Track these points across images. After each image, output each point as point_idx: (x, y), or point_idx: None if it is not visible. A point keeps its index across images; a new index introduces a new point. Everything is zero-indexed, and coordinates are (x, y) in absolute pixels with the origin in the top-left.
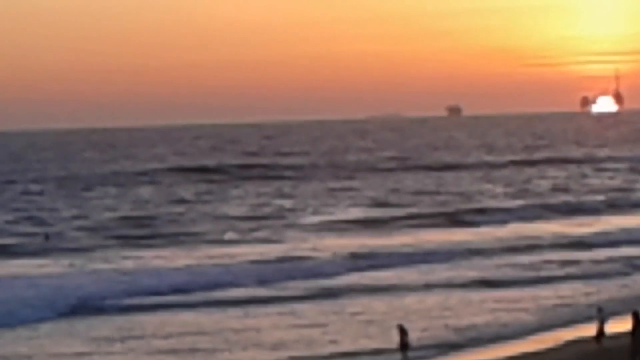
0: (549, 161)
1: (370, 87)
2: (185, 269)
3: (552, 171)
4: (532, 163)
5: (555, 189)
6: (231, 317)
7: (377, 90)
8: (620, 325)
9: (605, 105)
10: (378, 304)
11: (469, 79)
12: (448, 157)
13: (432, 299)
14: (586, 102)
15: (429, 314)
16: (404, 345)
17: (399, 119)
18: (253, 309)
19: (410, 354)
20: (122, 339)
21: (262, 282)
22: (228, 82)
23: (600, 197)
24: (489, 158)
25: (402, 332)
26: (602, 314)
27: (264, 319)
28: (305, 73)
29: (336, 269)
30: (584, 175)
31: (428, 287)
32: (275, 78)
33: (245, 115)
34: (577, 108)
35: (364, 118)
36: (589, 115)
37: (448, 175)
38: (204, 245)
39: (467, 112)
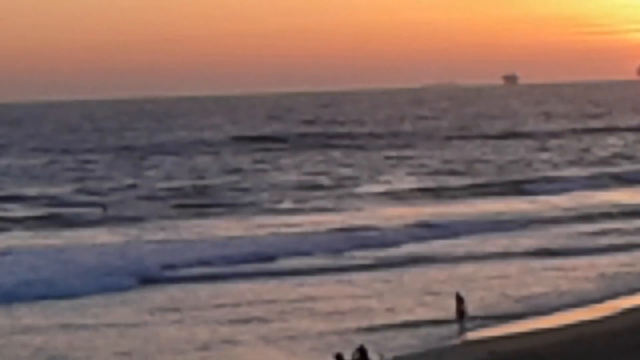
0: (607, 129)
1: (426, 55)
2: (242, 239)
3: (610, 139)
4: (590, 131)
5: (616, 156)
6: (288, 287)
7: (433, 59)
8: None
9: None
10: (437, 274)
11: (525, 47)
12: (506, 125)
13: (491, 268)
14: None
15: (488, 283)
16: (461, 313)
17: (455, 88)
18: (310, 279)
19: (468, 323)
20: (177, 310)
21: (322, 251)
22: (283, 52)
23: None
24: (547, 126)
25: (459, 300)
26: None
27: (321, 288)
28: (360, 42)
29: (397, 239)
30: None
31: (488, 256)
32: (330, 47)
33: (301, 84)
34: (633, 76)
35: (420, 87)
36: None
37: (506, 144)
38: (261, 214)
39: (523, 80)
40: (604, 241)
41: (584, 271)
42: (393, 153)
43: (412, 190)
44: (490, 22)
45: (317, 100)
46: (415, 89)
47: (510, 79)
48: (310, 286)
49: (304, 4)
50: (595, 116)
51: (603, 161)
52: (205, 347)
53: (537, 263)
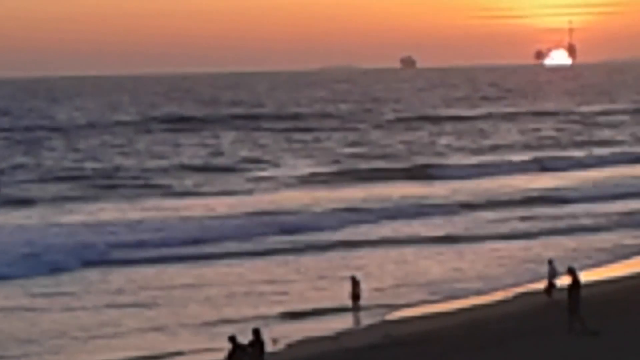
0: (508, 115)
1: (324, 38)
2: (154, 223)
3: (510, 125)
4: (489, 116)
5: (518, 144)
6: (189, 272)
7: (330, 42)
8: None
9: (558, 58)
10: (336, 259)
11: (423, 31)
12: (407, 109)
13: (397, 253)
14: (540, 55)
15: (388, 268)
16: (356, 296)
17: (353, 70)
18: (219, 263)
19: (365, 308)
20: (74, 294)
21: (240, 236)
22: (181, 31)
23: (565, 153)
24: (447, 111)
25: (355, 283)
26: (552, 266)
27: (232, 271)
28: (258, 24)
29: (317, 223)
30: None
31: (395, 241)
32: (226, 28)
33: (197, 65)
34: (531, 60)
35: (317, 69)
36: (542, 68)
37: (410, 127)
38: (170, 196)
39: (421, 64)
40: (504, 228)
41: (482, 257)
42: (295, 136)
43: (320, 174)
44: (388, 5)
45: (216, 82)
46: (313, 71)
47: (408, 62)
48: (217, 270)
49: None
50: (494, 100)
51: (504, 147)
52: (86, 329)
53: (440, 248)
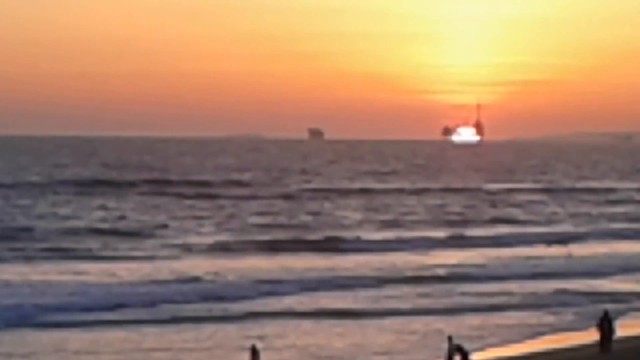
0: (416, 190)
1: (234, 106)
2: (54, 287)
3: (418, 200)
4: (394, 191)
5: (425, 220)
6: (79, 338)
7: (240, 110)
8: None
9: (466, 135)
10: (238, 329)
11: (332, 103)
12: (314, 182)
13: (305, 326)
14: (448, 131)
15: (292, 341)
16: None
17: (260, 140)
18: (101, 329)
19: None
20: None
21: (135, 303)
22: (90, 95)
23: (471, 230)
24: (353, 184)
25: (254, 352)
26: (451, 343)
27: (112, 339)
28: (169, 89)
29: (205, 291)
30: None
31: (293, 314)
32: (137, 92)
33: (103, 128)
34: (438, 136)
35: (225, 137)
36: (450, 144)
37: (314, 199)
38: (68, 260)
39: (329, 135)
40: (408, 304)
41: (384, 332)
42: (204, 203)
43: (226, 242)
44: (300, 76)
45: (122, 146)
46: (221, 139)
47: (316, 134)
48: (115, 336)
49: (121, 49)
50: (403, 174)
51: (411, 222)
52: None
53: (343, 322)
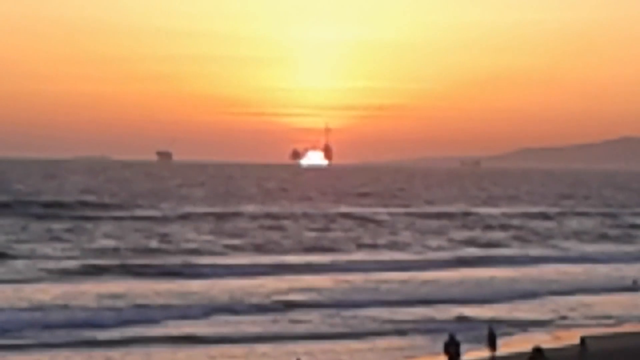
0: (269, 215)
1: (77, 127)
2: None
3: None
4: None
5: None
6: None
7: (88, 131)
8: None
9: (314, 159)
10: (74, 356)
11: (181, 125)
12: (164, 205)
13: (140, 353)
14: (297, 154)
15: None
16: None
17: (107, 161)
18: None
19: None
20: None
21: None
22: None
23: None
24: (206, 209)
25: None
26: None
27: None
28: (12, 110)
29: (54, 318)
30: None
31: (138, 340)
32: None
33: None
34: (287, 160)
35: (72, 158)
36: (298, 168)
37: (162, 224)
38: None
39: (177, 157)
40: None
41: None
42: (54, 225)
43: (74, 267)
44: (148, 98)
45: None
46: (66, 160)
47: (165, 155)
48: None
49: None
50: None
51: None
52: None
53: (187, 349)
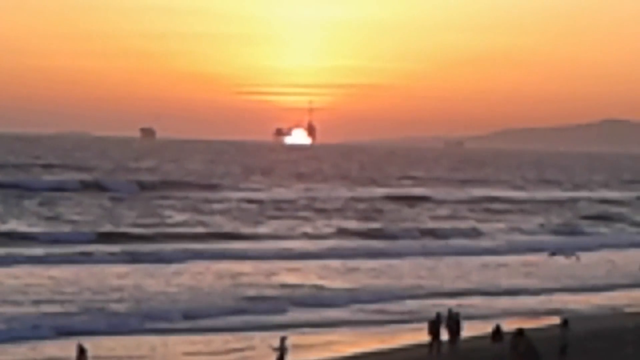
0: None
1: (63, 102)
2: None
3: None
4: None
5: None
6: None
7: (65, 107)
8: None
9: (298, 137)
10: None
11: (166, 102)
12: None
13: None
14: (280, 133)
15: None
16: None
17: (88, 138)
18: None
19: None
20: None
21: None
22: None
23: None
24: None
25: (81, 351)
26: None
27: None
28: (8, 85)
29: None
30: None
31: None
32: None
33: None
34: (270, 137)
35: (54, 134)
36: (282, 146)
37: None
38: None
39: (160, 134)
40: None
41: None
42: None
43: None
44: (133, 74)
45: None
46: (47, 136)
47: (148, 132)
48: None
49: None
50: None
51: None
52: None
53: None
